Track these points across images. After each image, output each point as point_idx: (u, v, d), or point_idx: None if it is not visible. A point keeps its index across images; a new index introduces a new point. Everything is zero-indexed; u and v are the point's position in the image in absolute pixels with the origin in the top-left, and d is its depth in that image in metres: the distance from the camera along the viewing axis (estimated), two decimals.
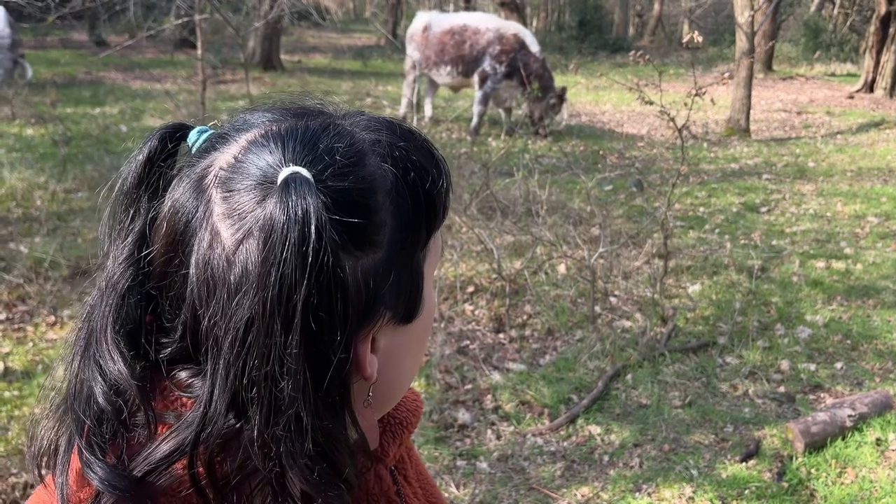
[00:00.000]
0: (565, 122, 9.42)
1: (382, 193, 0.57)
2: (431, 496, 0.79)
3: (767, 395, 3.60)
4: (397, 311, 0.61)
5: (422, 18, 9.76)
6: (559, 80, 13.52)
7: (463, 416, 3.34)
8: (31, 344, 3.80)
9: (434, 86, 9.95)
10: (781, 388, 3.66)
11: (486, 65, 9.05)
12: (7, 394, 3.35)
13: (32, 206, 5.69)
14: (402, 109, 9.77)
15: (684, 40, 4.11)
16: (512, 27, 9.34)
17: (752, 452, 3.12)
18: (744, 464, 3.06)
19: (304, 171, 0.53)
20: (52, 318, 4.06)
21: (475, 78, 9.20)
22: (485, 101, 9.19)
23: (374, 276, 0.57)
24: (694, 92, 3.92)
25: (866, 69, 13.86)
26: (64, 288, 4.37)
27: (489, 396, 3.51)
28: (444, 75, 9.47)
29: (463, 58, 9.20)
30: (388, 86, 13.10)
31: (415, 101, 9.64)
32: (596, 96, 12.94)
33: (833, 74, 16.83)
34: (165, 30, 9.80)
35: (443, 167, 0.63)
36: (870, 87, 13.68)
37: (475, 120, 9.22)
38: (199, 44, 6.78)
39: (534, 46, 9.07)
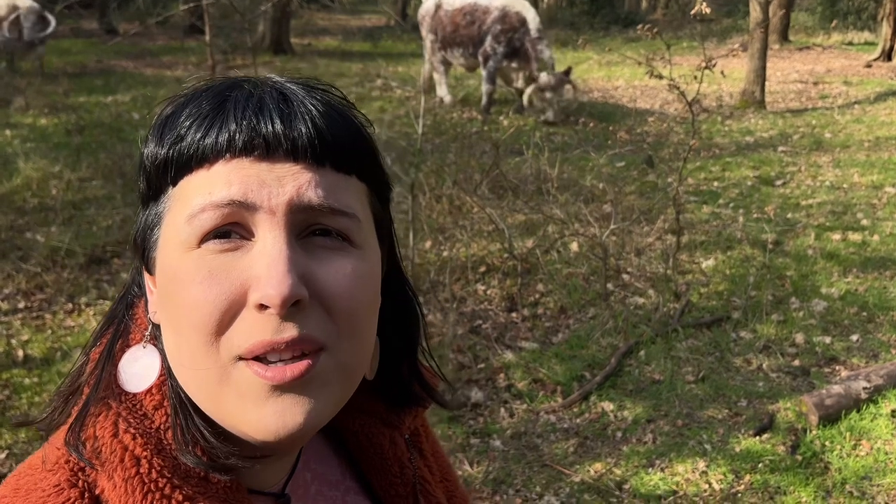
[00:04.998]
0: (566, 104, 8.80)
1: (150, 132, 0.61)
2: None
3: (782, 369, 3.58)
4: (143, 252, 0.61)
5: None
6: (570, 57, 13.39)
7: (476, 394, 3.36)
8: (49, 331, 3.86)
9: (447, 66, 9.87)
10: (796, 362, 3.64)
11: (488, 44, 8.98)
12: (27, 381, 3.41)
13: (48, 195, 5.75)
14: (443, 95, 9.65)
15: (692, 11, 4.05)
16: (517, 5, 9.20)
17: (766, 426, 3.12)
18: (757, 438, 3.06)
19: None
20: (70, 306, 4.12)
21: (479, 58, 9.14)
22: (490, 80, 9.11)
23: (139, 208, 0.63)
24: (704, 65, 3.87)
25: (884, 37, 13.59)
26: (80, 276, 4.43)
27: (502, 375, 3.53)
28: (458, 56, 9.40)
29: (472, 38, 9.13)
30: (399, 66, 13.03)
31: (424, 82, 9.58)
32: (608, 72, 12.80)
33: (850, 43, 16.52)
34: (174, 16, 9.80)
35: (204, 112, 0.57)
36: (888, 55, 13.42)
37: (484, 99, 9.16)
38: (207, 29, 6.78)
39: (532, 24, 8.92)
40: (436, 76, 9.86)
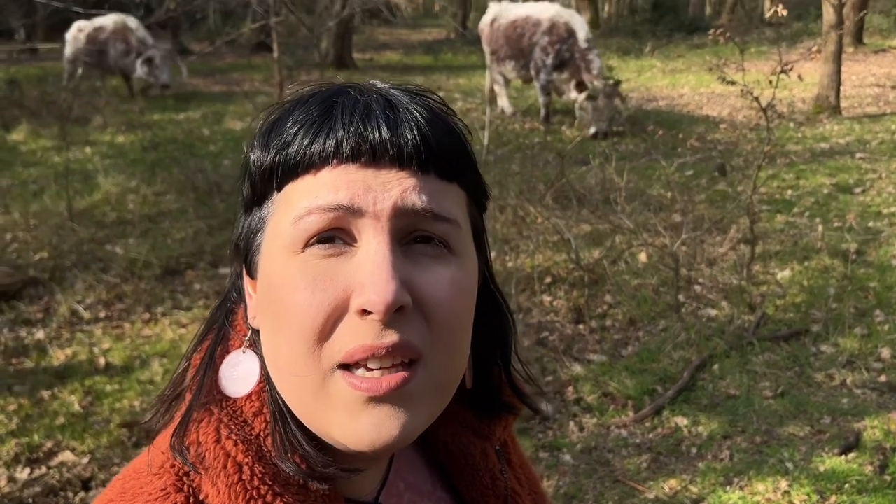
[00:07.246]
0: (608, 120, 8.44)
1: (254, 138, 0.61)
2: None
3: (867, 385, 3.41)
4: (246, 256, 0.62)
5: (491, 11, 9.70)
6: (633, 66, 13.20)
7: (544, 407, 3.31)
8: (128, 340, 4.00)
9: (507, 79, 9.88)
10: (882, 378, 3.46)
11: (537, 56, 8.91)
12: (108, 387, 3.53)
13: (125, 209, 5.98)
14: (504, 106, 9.70)
15: (767, 14, 3.93)
16: (565, 15, 9.09)
17: (851, 445, 2.97)
18: (843, 457, 2.91)
19: None
20: (147, 316, 4.26)
21: (531, 71, 9.07)
22: (545, 92, 9.03)
23: (239, 210, 0.63)
24: (779, 69, 3.75)
25: None
26: (157, 286, 4.58)
27: (570, 388, 3.47)
28: (510, 70, 9.38)
29: (522, 51, 9.08)
30: (460, 79, 13.11)
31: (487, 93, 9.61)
32: (672, 79, 12.57)
33: None
34: (243, 34, 10.10)
35: (312, 118, 0.57)
36: None
37: (542, 111, 9.12)
38: (274, 46, 6.95)
39: (581, 34, 8.78)
40: (496, 88, 9.87)
